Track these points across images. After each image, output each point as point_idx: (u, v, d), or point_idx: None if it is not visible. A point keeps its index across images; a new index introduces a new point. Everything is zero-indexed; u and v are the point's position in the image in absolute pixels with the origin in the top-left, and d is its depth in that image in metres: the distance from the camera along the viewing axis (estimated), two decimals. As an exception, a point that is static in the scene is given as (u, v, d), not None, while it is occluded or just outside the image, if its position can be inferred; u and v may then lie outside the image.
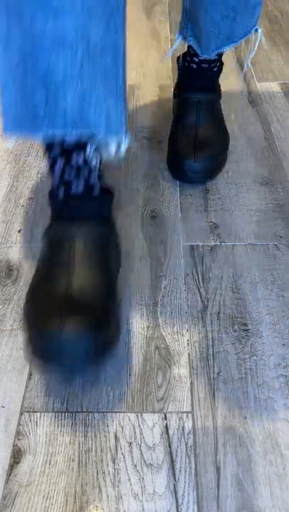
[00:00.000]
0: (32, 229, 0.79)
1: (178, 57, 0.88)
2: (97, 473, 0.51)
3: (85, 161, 0.57)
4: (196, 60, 0.82)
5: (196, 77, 0.85)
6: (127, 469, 0.51)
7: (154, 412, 0.56)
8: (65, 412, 0.56)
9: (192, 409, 0.56)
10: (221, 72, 0.86)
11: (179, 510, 0.48)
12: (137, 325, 0.65)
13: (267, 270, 0.71)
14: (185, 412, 0.56)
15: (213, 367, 0.60)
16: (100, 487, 0.50)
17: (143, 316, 0.66)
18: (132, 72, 1.16)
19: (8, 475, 0.51)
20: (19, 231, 0.79)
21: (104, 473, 0.51)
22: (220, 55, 0.82)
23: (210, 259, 0.72)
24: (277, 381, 0.58)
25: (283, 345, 0.62)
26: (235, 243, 0.74)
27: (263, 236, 0.76)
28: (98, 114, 0.48)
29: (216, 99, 0.88)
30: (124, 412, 0.56)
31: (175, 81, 0.94)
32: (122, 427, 0.55)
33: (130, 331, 0.64)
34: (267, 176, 0.88)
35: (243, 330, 0.64)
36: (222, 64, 0.86)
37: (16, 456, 0.53)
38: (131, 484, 0.50)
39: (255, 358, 0.60)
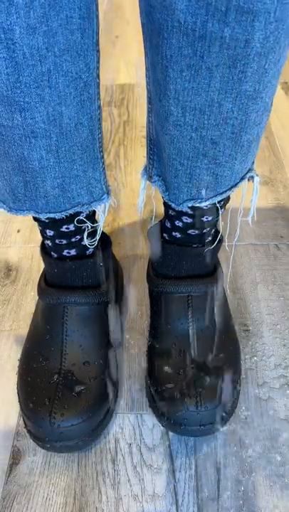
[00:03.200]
0: (31, 229, 0.79)
1: (149, 230, 0.59)
2: (97, 474, 0.51)
3: (75, 229, 0.52)
4: (179, 224, 0.53)
5: (183, 256, 0.55)
6: (126, 470, 0.51)
7: (153, 413, 0.55)
8: (64, 413, 0.56)
9: (192, 409, 0.56)
10: (219, 245, 0.56)
11: (179, 511, 0.48)
12: (137, 325, 0.65)
13: (267, 270, 0.71)
14: (185, 412, 0.55)
15: (214, 367, 0.59)
16: (99, 488, 0.50)
17: (143, 316, 0.66)
18: (132, 72, 1.15)
19: (8, 476, 0.51)
20: (18, 231, 0.79)
21: (104, 474, 0.51)
22: (212, 213, 0.51)
23: (210, 259, 0.71)
24: (277, 381, 0.58)
25: (284, 345, 0.61)
26: (236, 243, 0.74)
27: (263, 236, 0.76)
28: (80, 187, 0.46)
29: (216, 287, 0.57)
30: (124, 413, 0.56)
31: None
32: (122, 428, 0.54)
33: (130, 331, 0.64)
34: (267, 176, 0.87)
35: (244, 330, 0.63)
36: (218, 233, 0.56)
37: (16, 457, 0.52)
38: (131, 485, 0.50)
39: (255, 358, 0.60)
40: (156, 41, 0.37)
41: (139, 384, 0.58)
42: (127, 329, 0.64)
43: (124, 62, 1.20)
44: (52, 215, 0.47)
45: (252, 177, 0.48)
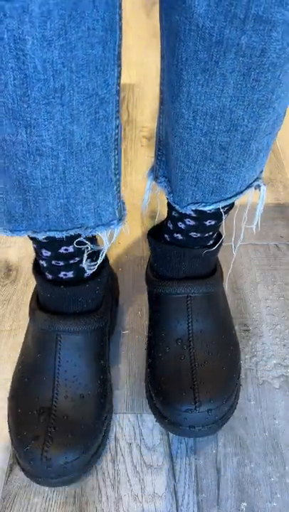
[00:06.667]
0: (32, 229, 0.78)
1: (149, 231, 0.58)
2: (97, 474, 0.51)
3: (74, 251, 0.48)
4: (182, 226, 0.52)
5: (184, 257, 0.54)
6: (126, 470, 0.51)
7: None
8: (64, 413, 0.56)
9: (192, 409, 0.56)
10: (219, 247, 0.56)
11: (179, 511, 0.48)
12: (137, 325, 0.65)
13: (267, 270, 0.71)
14: (185, 412, 0.55)
15: (214, 367, 0.59)
16: (99, 488, 0.50)
17: (143, 316, 0.66)
18: (132, 72, 1.15)
19: (8, 476, 0.51)
20: (19, 231, 0.79)
21: (103, 474, 0.51)
22: (216, 217, 0.51)
23: (210, 259, 0.71)
24: (277, 381, 0.58)
25: (284, 345, 0.61)
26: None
27: (263, 236, 0.76)
28: (86, 210, 0.43)
29: (216, 288, 0.56)
30: (124, 413, 0.56)
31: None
32: (122, 428, 0.54)
33: (130, 331, 0.64)
34: (267, 176, 0.87)
35: (244, 330, 0.63)
36: (220, 237, 0.55)
37: (16, 457, 0.52)
38: (131, 485, 0.50)
39: (255, 358, 0.60)
40: (172, 43, 0.37)
41: (139, 384, 0.58)
42: (127, 329, 0.64)
43: (124, 62, 1.19)
44: (52, 234, 0.44)
45: (259, 186, 0.48)
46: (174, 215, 0.53)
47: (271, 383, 0.58)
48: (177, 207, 0.48)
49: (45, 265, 0.51)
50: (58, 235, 0.44)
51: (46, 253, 0.49)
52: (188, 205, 0.47)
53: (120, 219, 0.47)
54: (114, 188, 0.44)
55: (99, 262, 0.50)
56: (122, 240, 0.76)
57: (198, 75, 0.37)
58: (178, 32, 0.36)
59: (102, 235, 0.47)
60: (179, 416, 0.48)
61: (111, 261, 0.73)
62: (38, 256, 0.51)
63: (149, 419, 0.55)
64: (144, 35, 1.31)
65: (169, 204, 0.54)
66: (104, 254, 0.49)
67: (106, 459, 0.52)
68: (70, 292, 0.51)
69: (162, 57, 0.41)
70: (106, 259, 0.56)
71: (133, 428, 0.54)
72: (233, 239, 0.58)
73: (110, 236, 0.47)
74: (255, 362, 0.60)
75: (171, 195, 0.48)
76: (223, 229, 0.55)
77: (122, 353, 0.61)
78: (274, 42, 0.33)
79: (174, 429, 0.50)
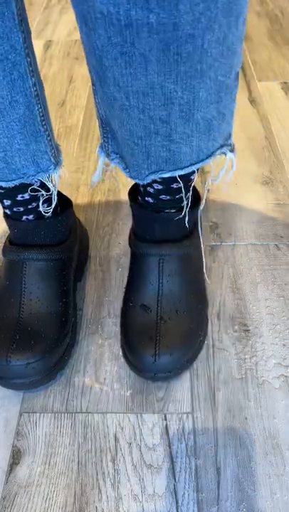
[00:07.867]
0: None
1: (129, 191, 0.61)
2: (97, 474, 0.51)
3: (30, 198, 0.55)
4: (151, 190, 0.54)
5: (156, 220, 0.57)
6: (126, 470, 0.51)
7: (153, 413, 0.55)
8: (64, 413, 0.56)
9: (192, 409, 0.56)
10: (197, 210, 0.58)
11: (179, 510, 0.48)
12: (137, 325, 0.65)
13: (267, 270, 0.71)
14: (185, 412, 0.55)
15: (214, 367, 0.59)
16: (99, 488, 0.50)
17: (143, 316, 0.66)
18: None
19: (8, 476, 0.51)
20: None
21: (104, 473, 0.51)
22: (186, 180, 0.52)
23: (210, 259, 0.71)
24: (277, 381, 0.58)
25: (284, 345, 0.61)
26: (236, 243, 0.74)
27: (263, 236, 0.76)
28: (24, 160, 0.49)
29: (189, 251, 0.59)
30: (124, 413, 0.56)
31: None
32: (122, 428, 0.54)
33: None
34: (267, 176, 0.87)
35: (244, 330, 0.63)
36: (195, 195, 0.58)
37: (16, 457, 0.52)
38: (131, 485, 0.50)
39: (255, 358, 0.60)
40: (86, 32, 0.37)
41: (139, 384, 0.58)
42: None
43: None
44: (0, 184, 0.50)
45: (224, 153, 0.49)
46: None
47: (271, 383, 0.58)
48: (137, 180, 0.49)
49: (9, 213, 0.58)
50: (4, 184, 0.51)
51: (7, 202, 0.56)
52: (146, 176, 0.48)
53: (57, 164, 0.52)
54: (45, 137, 0.49)
55: (53, 205, 0.56)
56: (122, 239, 0.76)
57: (118, 58, 0.37)
58: (87, 21, 0.36)
59: (45, 180, 0.52)
60: (143, 364, 0.54)
61: (111, 260, 0.73)
62: (3, 206, 0.58)
63: (149, 419, 0.55)
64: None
65: (134, 190, 0.57)
66: (55, 197, 0.56)
67: (106, 458, 0.52)
68: (33, 226, 0.58)
69: (84, 45, 0.42)
70: (70, 205, 0.63)
71: (133, 428, 0.54)
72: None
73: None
74: (255, 362, 0.60)
75: (127, 170, 0.49)
76: (204, 195, 0.54)
77: (121, 352, 0.61)
78: (184, 14, 0.33)
79: (140, 375, 0.56)
